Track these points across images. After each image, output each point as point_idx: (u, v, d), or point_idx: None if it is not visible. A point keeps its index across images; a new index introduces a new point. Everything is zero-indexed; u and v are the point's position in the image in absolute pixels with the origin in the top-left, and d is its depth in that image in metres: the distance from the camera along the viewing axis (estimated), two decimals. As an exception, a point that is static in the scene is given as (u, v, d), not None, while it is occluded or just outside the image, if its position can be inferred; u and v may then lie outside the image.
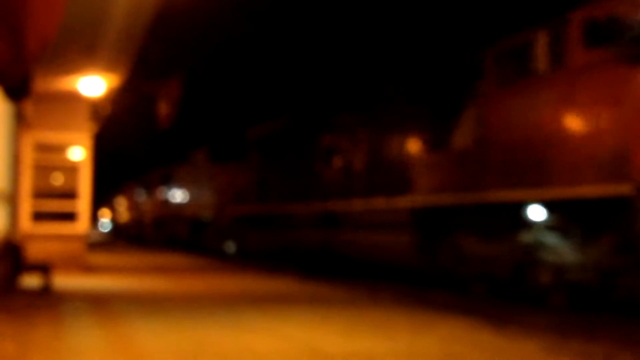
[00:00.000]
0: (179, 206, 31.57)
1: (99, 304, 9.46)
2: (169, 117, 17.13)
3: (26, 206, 14.75)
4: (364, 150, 14.29)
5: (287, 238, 17.85)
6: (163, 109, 17.25)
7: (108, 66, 12.25)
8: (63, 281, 11.82)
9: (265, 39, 27.32)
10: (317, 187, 16.14)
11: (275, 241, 18.61)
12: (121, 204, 54.45)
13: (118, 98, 16.27)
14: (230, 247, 23.24)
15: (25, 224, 14.68)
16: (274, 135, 19.63)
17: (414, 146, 12.74)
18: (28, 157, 14.88)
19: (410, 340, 6.81)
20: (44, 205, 15.07)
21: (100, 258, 20.50)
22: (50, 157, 15.41)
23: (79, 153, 15.36)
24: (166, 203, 34.29)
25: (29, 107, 13.68)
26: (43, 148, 15.26)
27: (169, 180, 33.61)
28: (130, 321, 7.85)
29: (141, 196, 43.26)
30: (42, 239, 14.43)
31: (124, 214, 52.60)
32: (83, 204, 15.14)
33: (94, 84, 13.37)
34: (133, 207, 47.41)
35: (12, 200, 12.03)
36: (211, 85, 30.69)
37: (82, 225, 15.20)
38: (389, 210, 13.07)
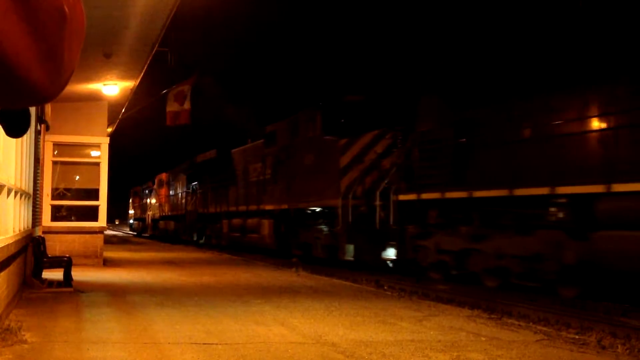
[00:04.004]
0: (166, 208, 39.46)
1: (116, 296, 9.83)
2: (179, 118, 17.49)
3: (47, 203, 15.25)
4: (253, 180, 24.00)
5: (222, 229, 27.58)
6: (174, 107, 17.60)
7: (125, 72, 12.66)
8: (83, 275, 12.23)
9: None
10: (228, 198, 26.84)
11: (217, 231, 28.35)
12: (132, 205, 57.31)
13: (134, 101, 16.69)
14: (195, 237, 31.61)
15: (46, 220, 15.18)
16: (210, 162, 30.69)
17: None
18: (49, 157, 15.37)
19: (412, 330, 7.12)
20: (65, 201, 15.60)
21: (115, 252, 20.99)
22: (69, 156, 15.90)
23: (97, 153, 15.85)
24: (159, 205, 41.78)
25: (48, 110, 14.14)
26: (62, 148, 15.76)
27: (158, 189, 41.87)
28: (145, 312, 8.22)
29: (143, 199, 50.09)
30: (62, 235, 14.95)
31: (134, 213, 56.11)
32: (102, 200, 15.62)
33: (111, 89, 13.80)
34: (138, 208, 51.39)
35: (34, 197, 12.48)
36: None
37: (100, 222, 15.69)
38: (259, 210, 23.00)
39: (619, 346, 6.31)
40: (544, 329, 7.30)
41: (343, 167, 17.10)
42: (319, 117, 18.74)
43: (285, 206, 20.71)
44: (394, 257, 15.66)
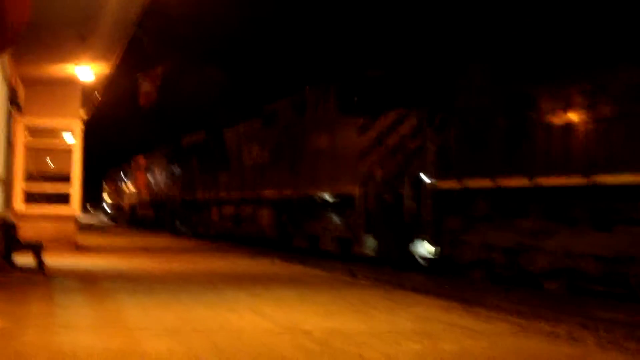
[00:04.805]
0: (145, 194, 37.33)
1: (89, 282, 9.74)
2: (151, 97, 17.33)
3: (19, 188, 15.05)
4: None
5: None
6: (145, 87, 17.42)
7: (100, 54, 12.50)
8: (54, 260, 12.10)
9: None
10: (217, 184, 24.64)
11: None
12: (106, 189, 55.72)
13: (109, 84, 16.52)
14: (178, 225, 29.69)
15: (19, 205, 14.99)
16: (198, 144, 27.74)
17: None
18: (21, 140, 15.17)
19: (386, 320, 7.13)
20: (37, 188, 15.39)
21: (89, 239, 20.78)
22: (42, 141, 15.70)
23: (70, 137, 15.65)
24: (136, 191, 39.60)
25: (21, 92, 13.94)
26: (36, 132, 15.55)
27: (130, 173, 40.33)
28: (117, 298, 8.15)
29: (119, 184, 47.39)
30: (34, 220, 14.76)
31: (108, 199, 54.25)
32: (74, 186, 15.45)
33: (86, 71, 13.62)
34: (114, 193, 49.67)
35: (6, 182, 12.31)
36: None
37: (73, 207, 15.53)
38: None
39: (589, 337, 6.38)
40: (518, 320, 7.34)
41: (362, 151, 15.17)
42: (333, 94, 16.58)
43: (288, 193, 18.62)
44: (427, 254, 13.62)
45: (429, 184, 13.12)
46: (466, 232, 12.28)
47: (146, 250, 16.89)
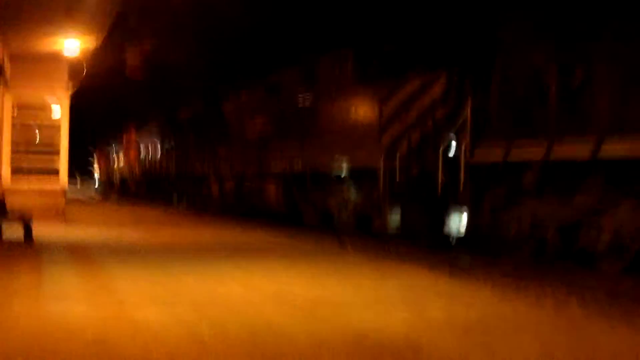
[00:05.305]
0: (137, 168, 36.78)
1: (78, 254, 9.76)
2: (139, 69, 17.25)
3: (7, 162, 15.01)
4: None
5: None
6: (132, 59, 17.32)
7: (88, 28, 12.40)
8: (43, 232, 12.09)
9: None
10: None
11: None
12: (96, 163, 55.20)
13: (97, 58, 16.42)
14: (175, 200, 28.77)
15: (7, 178, 14.96)
16: (195, 116, 26.61)
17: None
18: (8, 115, 15.09)
19: (373, 288, 7.20)
20: (25, 161, 15.36)
21: (78, 211, 20.75)
22: (30, 114, 15.63)
23: (57, 111, 15.59)
24: (128, 165, 38.91)
25: (8, 67, 13.84)
26: (23, 106, 15.48)
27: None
28: (106, 269, 8.18)
29: (110, 158, 46.39)
30: (23, 193, 14.73)
31: (98, 172, 53.93)
32: (62, 159, 15.43)
33: (73, 46, 13.53)
34: (104, 167, 49.38)
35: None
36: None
37: (61, 180, 15.52)
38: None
39: (574, 304, 6.46)
40: (503, 287, 7.43)
41: (385, 120, 13.83)
42: (351, 59, 15.32)
43: (298, 168, 17.30)
44: (462, 231, 12.18)
45: (465, 154, 11.69)
46: (511, 207, 10.95)
47: (137, 223, 16.87)
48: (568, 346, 4.81)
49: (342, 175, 15.44)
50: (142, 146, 35.47)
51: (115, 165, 43.90)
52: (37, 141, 15.68)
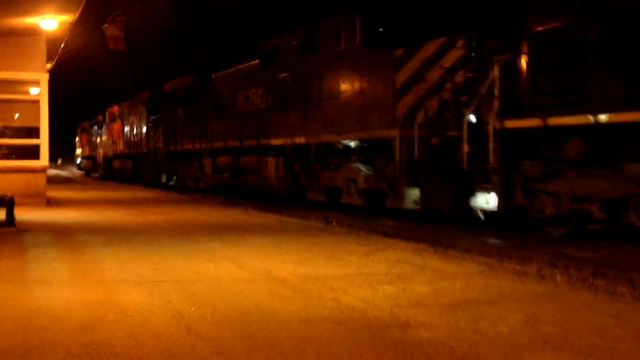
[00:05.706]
0: (121, 145, 35.54)
1: (62, 236, 9.67)
2: (119, 41, 17.03)
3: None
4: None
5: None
6: (112, 31, 17.06)
7: (64, 6, 12.20)
8: (25, 215, 12.00)
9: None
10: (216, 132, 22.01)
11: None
12: (79, 142, 54.62)
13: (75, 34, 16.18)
14: (164, 178, 27.89)
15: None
16: (183, 90, 25.14)
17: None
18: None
19: (360, 264, 7.23)
20: (4, 141, 15.18)
21: (61, 193, 20.63)
22: (7, 93, 15.41)
23: (36, 90, 15.38)
24: (111, 142, 37.70)
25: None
26: (0, 85, 15.26)
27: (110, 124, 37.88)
28: (91, 251, 8.13)
29: (92, 135, 45.68)
30: (3, 175, 14.57)
31: (81, 152, 53.32)
32: (43, 139, 15.25)
33: (49, 22, 13.31)
34: (87, 145, 48.55)
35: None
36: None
37: (42, 160, 15.35)
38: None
39: (558, 275, 6.53)
40: (487, 260, 7.49)
41: (400, 87, 12.94)
42: (358, 22, 14.23)
43: (301, 140, 16.37)
44: (492, 207, 11.20)
45: (495, 123, 10.83)
46: (549, 181, 10.25)
47: (121, 203, 16.77)
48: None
49: (351, 148, 14.79)
50: (126, 122, 34.41)
51: (99, 141, 42.98)
52: (16, 120, 15.48)
